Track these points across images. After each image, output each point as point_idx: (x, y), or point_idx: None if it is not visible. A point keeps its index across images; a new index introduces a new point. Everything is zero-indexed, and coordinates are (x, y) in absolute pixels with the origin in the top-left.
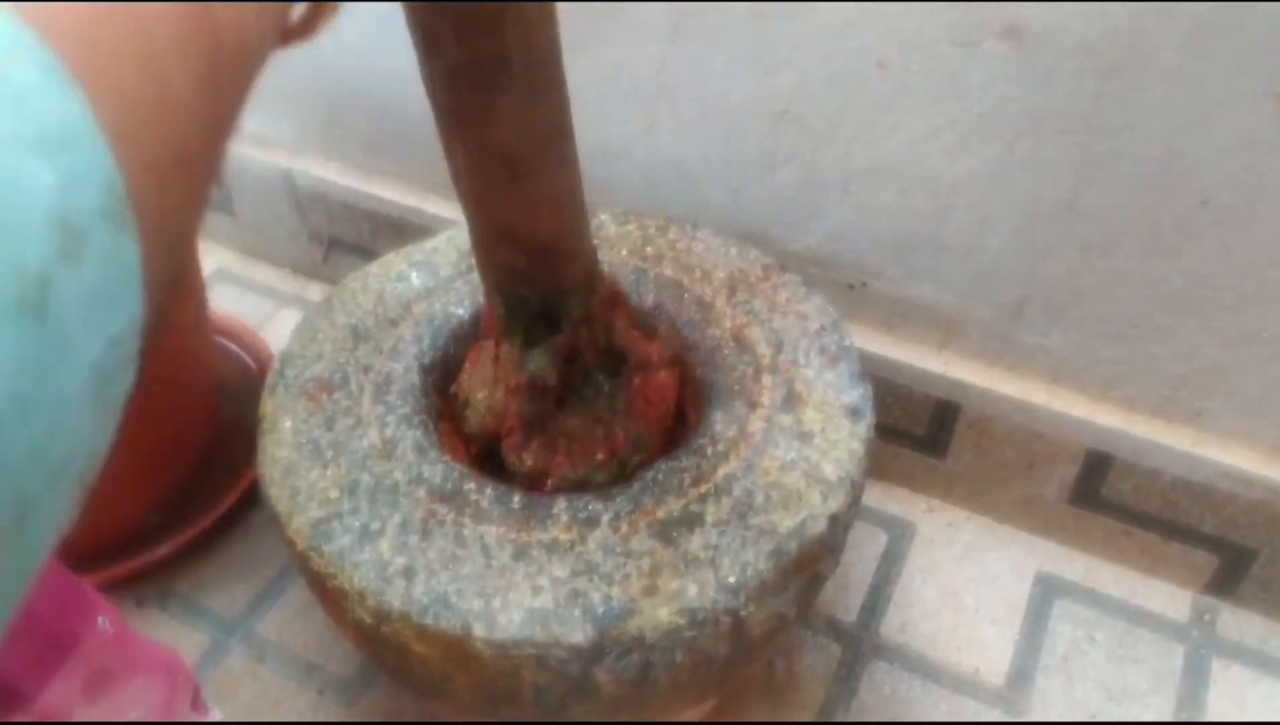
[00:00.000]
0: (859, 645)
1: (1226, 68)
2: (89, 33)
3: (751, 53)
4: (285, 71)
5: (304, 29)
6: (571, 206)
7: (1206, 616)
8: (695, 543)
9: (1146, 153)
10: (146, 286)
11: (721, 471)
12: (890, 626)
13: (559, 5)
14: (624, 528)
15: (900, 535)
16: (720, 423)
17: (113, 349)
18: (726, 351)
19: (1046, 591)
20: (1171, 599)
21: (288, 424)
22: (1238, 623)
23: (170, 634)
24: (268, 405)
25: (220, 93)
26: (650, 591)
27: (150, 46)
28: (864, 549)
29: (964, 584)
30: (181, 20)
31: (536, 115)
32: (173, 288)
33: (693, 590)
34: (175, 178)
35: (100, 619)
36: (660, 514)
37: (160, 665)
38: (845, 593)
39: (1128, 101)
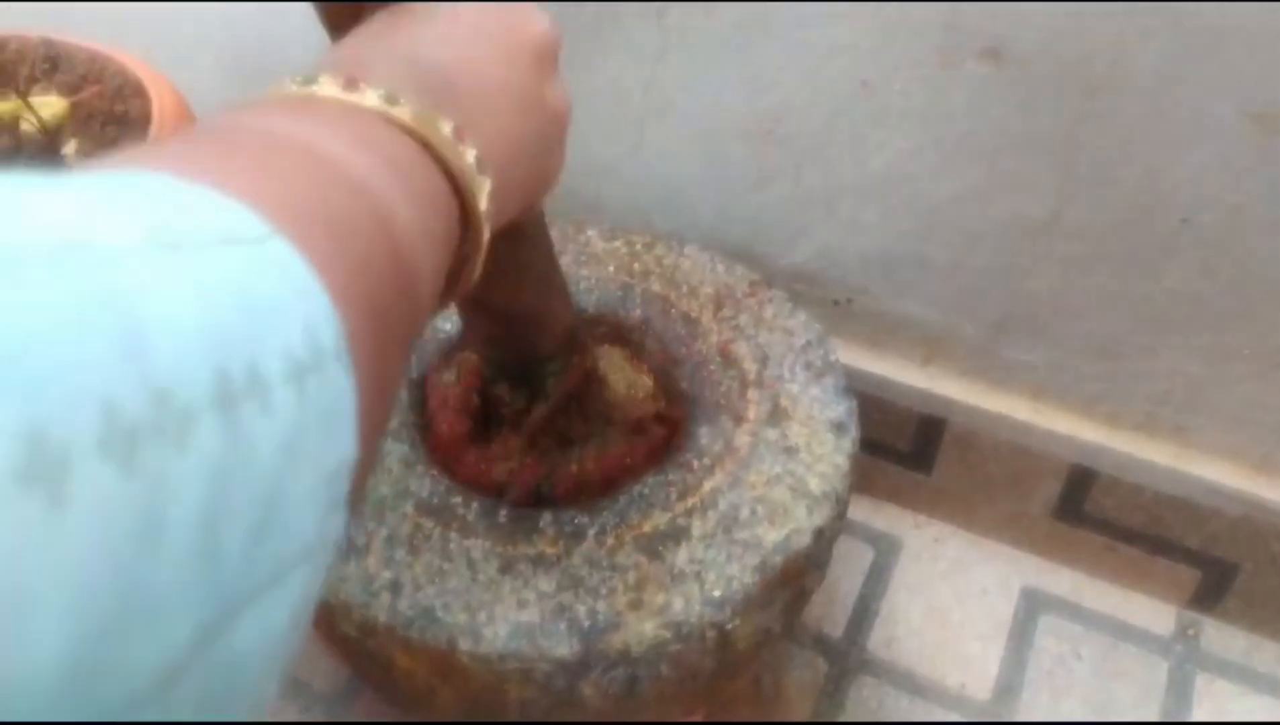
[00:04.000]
0: (846, 660)
1: (1205, 89)
2: (309, 209)
3: (739, 73)
4: None
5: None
6: (536, 278)
7: (1190, 631)
8: (681, 556)
9: (1126, 172)
10: (360, 430)
11: (707, 485)
12: (877, 642)
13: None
14: (610, 541)
15: (887, 550)
16: (706, 437)
17: (328, 484)
18: (712, 366)
19: (1032, 606)
20: (1156, 614)
21: None
22: (1221, 637)
23: None
24: None
25: (404, 294)
26: (636, 605)
27: (354, 226)
28: (851, 564)
29: (950, 599)
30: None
31: None
32: (376, 447)
33: (678, 604)
34: (384, 338)
35: None
36: (646, 528)
37: None
38: (832, 608)
39: (1108, 122)
